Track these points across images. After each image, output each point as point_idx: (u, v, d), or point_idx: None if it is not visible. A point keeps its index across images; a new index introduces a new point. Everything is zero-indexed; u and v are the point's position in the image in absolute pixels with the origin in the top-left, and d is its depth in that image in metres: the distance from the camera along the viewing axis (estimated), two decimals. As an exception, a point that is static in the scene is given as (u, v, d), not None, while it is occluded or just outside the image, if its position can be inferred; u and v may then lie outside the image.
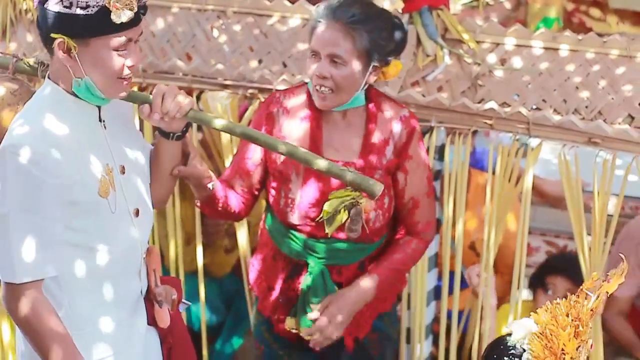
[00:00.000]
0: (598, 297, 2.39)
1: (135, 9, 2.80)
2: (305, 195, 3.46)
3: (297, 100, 3.51)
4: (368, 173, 3.40)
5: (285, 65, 4.07)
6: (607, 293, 2.42)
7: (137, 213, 3.02)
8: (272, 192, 3.54)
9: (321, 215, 3.09)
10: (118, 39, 2.81)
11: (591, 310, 2.38)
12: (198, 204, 3.52)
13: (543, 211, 5.38)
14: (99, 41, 2.80)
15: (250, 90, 3.99)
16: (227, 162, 4.11)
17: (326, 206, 3.08)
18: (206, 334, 4.42)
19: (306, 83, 3.53)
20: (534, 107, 3.81)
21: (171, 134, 3.10)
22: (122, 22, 2.78)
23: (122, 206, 2.97)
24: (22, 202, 2.80)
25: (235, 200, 3.54)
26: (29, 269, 2.83)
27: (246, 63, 4.07)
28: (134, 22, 2.82)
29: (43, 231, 2.82)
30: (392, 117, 3.50)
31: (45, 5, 2.79)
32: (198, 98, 4.08)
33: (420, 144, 3.54)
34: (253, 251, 4.17)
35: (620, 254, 2.58)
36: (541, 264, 4.71)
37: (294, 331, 3.57)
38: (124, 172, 2.99)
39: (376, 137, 3.47)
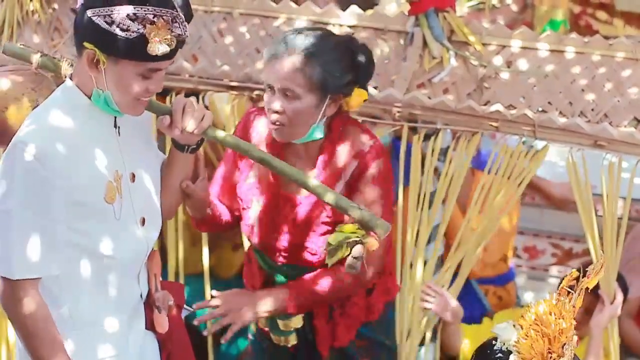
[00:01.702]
0: (579, 294, 2.40)
1: (173, 46, 2.80)
2: (261, 225, 3.48)
3: (266, 123, 3.45)
4: (315, 209, 3.41)
5: (291, 67, 4.06)
6: (588, 289, 2.42)
7: (143, 222, 3.02)
8: (242, 216, 3.56)
9: (325, 245, 3.09)
10: (147, 67, 2.82)
11: (574, 307, 2.39)
12: (194, 223, 3.55)
13: (549, 213, 5.38)
14: (129, 64, 2.81)
15: (256, 92, 3.99)
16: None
17: (330, 239, 3.08)
18: (212, 336, 4.42)
19: None
20: (540, 109, 3.81)
21: (186, 147, 3.09)
22: (156, 55, 2.78)
23: (128, 213, 2.97)
24: (27, 199, 2.81)
25: (226, 213, 3.57)
26: (27, 267, 2.84)
27: (252, 64, 4.07)
28: (169, 55, 2.82)
29: (45, 230, 2.83)
30: (350, 152, 3.41)
31: (88, 12, 2.77)
32: (203, 99, 4.08)
33: (376, 182, 3.39)
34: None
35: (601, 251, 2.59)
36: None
37: (265, 329, 3.62)
38: (134, 180, 2.99)
39: (326, 172, 3.40)
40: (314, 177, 3.36)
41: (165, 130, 3.02)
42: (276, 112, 3.30)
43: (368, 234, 3.04)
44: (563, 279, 2.43)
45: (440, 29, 3.97)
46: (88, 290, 2.95)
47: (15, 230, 2.83)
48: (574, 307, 2.39)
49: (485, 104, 3.85)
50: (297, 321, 3.56)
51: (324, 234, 3.41)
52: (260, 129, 3.49)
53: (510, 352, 2.42)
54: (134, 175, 2.99)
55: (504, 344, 2.44)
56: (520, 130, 3.79)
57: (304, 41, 3.28)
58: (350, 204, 3.03)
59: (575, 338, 2.41)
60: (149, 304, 3.13)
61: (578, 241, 5.30)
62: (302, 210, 3.44)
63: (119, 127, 2.97)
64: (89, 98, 2.89)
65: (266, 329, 3.62)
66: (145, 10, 2.74)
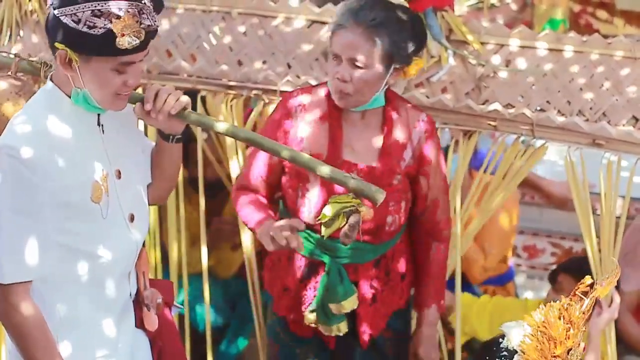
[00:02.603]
0: (591, 300, 2.39)
1: (143, 37, 2.78)
2: (321, 194, 3.49)
3: (316, 99, 3.55)
4: (387, 177, 3.48)
5: (289, 67, 4.06)
6: (600, 297, 2.42)
7: (132, 218, 3.01)
8: (289, 191, 3.57)
9: (319, 217, 3.10)
10: (119, 62, 2.81)
11: (583, 313, 2.38)
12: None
13: (549, 213, 5.38)
14: (101, 60, 2.80)
15: (254, 92, 4.00)
16: (232, 164, 4.11)
17: (326, 210, 3.09)
18: (211, 335, 4.42)
19: (325, 83, 3.56)
20: (538, 108, 3.81)
21: (170, 137, 3.07)
22: (126, 48, 2.77)
23: (116, 212, 2.96)
24: (13, 202, 2.81)
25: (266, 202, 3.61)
26: (16, 270, 2.83)
27: (250, 64, 4.07)
28: (140, 47, 2.80)
29: (32, 233, 2.82)
30: (411, 121, 3.55)
31: (56, 12, 2.78)
32: (203, 99, 4.08)
33: (437, 146, 3.59)
34: (258, 252, 4.18)
35: (613, 258, 2.57)
36: (559, 264, 4.67)
37: (312, 325, 3.62)
38: (120, 177, 2.98)
39: (394, 141, 3.52)
40: (382, 147, 3.50)
41: (144, 117, 2.98)
42: (344, 80, 3.38)
43: (363, 203, 3.05)
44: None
45: (439, 28, 3.96)
46: (78, 290, 2.95)
47: (3, 234, 2.82)
48: (584, 314, 2.38)
49: (483, 103, 3.86)
50: (353, 302, 3.58)
51: (398, 199, 3.51)
52: (313, 102, 3.54)
53: (515, 352, 2.42)
54: (119, 172, 2.98)
55: (510, 343, 2.43)
56: (518, 129, 3.79)
57: (371, 12, 3.37)
58: (344, 175, 3.03)
59: (582, 345, 2.41)
60: (138, 302, 3.12)
61: (578, 240, 5.29)
62: (370, 177, 3.46)
63: (102, 125, 2.96)
64: (70, 97, 2.88)
65: (313, 325, 3.62)
66: (109, 6, 2.73)
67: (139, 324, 3.12)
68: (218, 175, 4.50)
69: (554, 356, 2.35)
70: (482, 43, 3.96)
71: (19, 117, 2.90)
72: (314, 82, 3.94)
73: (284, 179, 3.59)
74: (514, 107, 3.82)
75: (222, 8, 4.21)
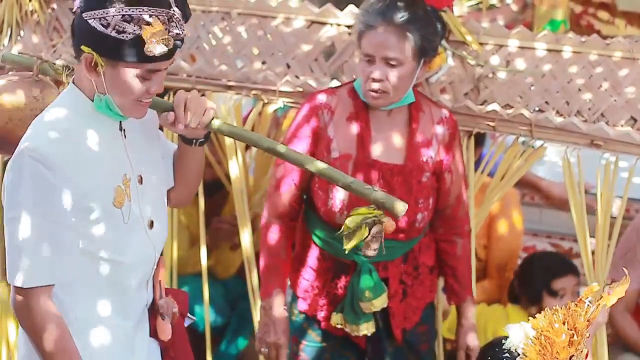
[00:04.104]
0: (597, 307, 2.39)
1: (171, 46, 2.74)
2: (354, 196, 3.47)
3: (341, 99, 3.57)
4: (417, 174, 3.53)
5: (289, 67, 4.07)
6: (606, 305, 2.41)
7: (151, 225, 2.96)
8: (319, 193, 3.58)
9: (341, 230, 3.06)
10: (145, 68, 2.77)
11: (588, 320, 2.38)
12: None
13: (548, 213, 5.38)
14: (127, 66, 2.75)
15: (253, 92, 4.00)
16: (231, 164, 4.12)
17: (348, 222, 3.04)
18: (210, 335, 4.42)
19: (347, 83, 3.60)
20: (537, 109, 3.82)
21: (194, 141, 3.02)
22: (154, 55, 2.73)
23: (136, 217, 2.91)
24: (36, 207, 2.76)
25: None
26: (38, 274, 2.78)
27: (250, 64, 4.08)
28: (167, 55, 2.76)
29: (54, 237, 2.78)
30: (435, 118, 3.59)
31: (83, 15, 2.73)
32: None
33: (459, 142, 3.67)
34: (257, 252, 4.18)
35: (624, 268, 2.56)
36: (536, 270, 4.60)
37: (339, 326, 3.63)
38: (141, 182, 2.94)
39: (420, 138, 3.56)
40: (408, 144, 3.54)
41: (169, 127, 2.96)
42: (380, 80, 3.41)
43: (385, 214, 3.04)
44: None
45: (438, 29, 3.97)
46: (97, 295, 2.90)
47: (25, 238, 2.77)
48: (588, 321, 2.38)
49: (482, 104, 3.86)
50: (383, 300, 3.60)
51: (427, 195, 3.55)
52: (339, 103, 3.57)
53: (517, 355, 2.42)
54: (141, 178, 2.94)
55: (514, 345, 2.44)
56: (517, 130, 3.80)
57: (398, 10, 3.40)
58: (365, 186, 3.01)
59: (585, 351, 2.40)
60: (153, 311, 3.07)
61: (577, 241, 5.28)
62: (401, 175, 3.53)
63: (124, 130, 2.92)
64: (92, 101, 2.85)
65: (339, 326, 3.64)
66: (140, 11, 2.70)
67: (153, 333, 3.07)
68: (217, 176, 4.51)
69: None
70: (481, 43, 3.96)
71: (41, 119, 2.86)
72: (313, 83, 3.95)
73: (313, 181, 3.60)
74: (512, 107, 3.82)
75: (222, 8, 4.21)
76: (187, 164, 3.09)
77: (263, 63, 4.09)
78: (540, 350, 2.36)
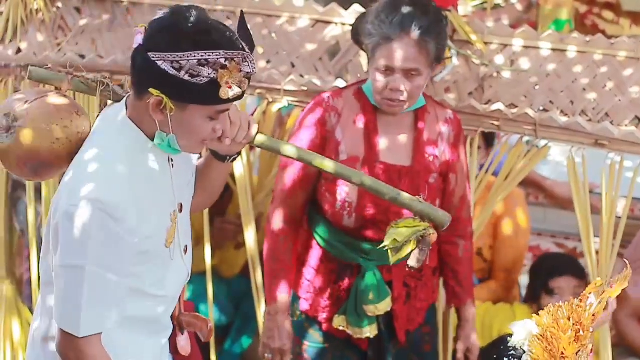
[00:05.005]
0: (600, 302, 2.39)
1: (245, 87, 2.66)
2: (363, 198, 3.49)
3: (348, 101, 3.55)
4: (425, 175, 3.52)
5: (293, 66, 4.07)
6: (610, 299, 2.41)
7: (185, 250, 2.92)
8: (327, 195, 3.56)
9: (387, 244, 3.04)
10: (216, 110, 2.69)
11: (593, 315, 2.38)
12: None
13: (553, 213, 5.38)
14: (198, 108, 2.67)
15: (258, 90, 4.00)
16: (236, 163, 4.11)
17: (395, 235, 3.03)
18: (215, 334, 4.42)
19: (354, 84, 3.59)
20: (541, 108, 3.81)
21: (227, 157, 2.96)
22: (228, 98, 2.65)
23: (176, 247, 2.87)
24: (101, 258, 2.68)
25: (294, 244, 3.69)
26: (94, 323, 2.72)
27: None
28: (239, 97, 2.68)
29: (115, 287, 2.72)
30: (440, 118, 3.59)
31: (150, 56, 2.60)
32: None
33: (464, 142, 3.66)
34: (261, 251, 4.18)
35: (625, 260, 2.57)
36: (538, 269, 4.62)
37: (341, 329, 3.63)
38: (181, 211, 2.88)
39: (427, 139, 3.55)
40: (415, 145, 3.53)
41: (213, 142, 2.83)
42: (400, 90, 3.40)
43: (431, 226, 3.03)
44: None
45: (443, 28, 3.97)
46: (131, 326, 2.85)
47: (86, 288, 2.69)
48: (593, 316, 2.38)
49: (486, 103, 3.86)
50: (387, 304, 3.59)
51: (434, 197, 3.54)
52: (346, 106, 3.55)
53: (523, 352, 2.42)
54: (181, 206, 2.88)
55: (519, 342, 2.44)
56: (521, 130, 3.80)
57: (416, 20, 3.37)
58: (412, 199, 3.00)
59: (590, 346, 2.40)
60: (173, 327, 3.04)
61: (581, 241, 5.28)
62: (409, 177, 3.52)
63: (171, 160, 2.84)
64: (145, 134, 2.74)
65: (341, 328, 3.63)
66: (217, 55, 2.58)
67: (173, 349, 3.05)
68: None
69: (563, 357, 2.35)
70: (485, 43, 3.96)
71: (96, 157, 2.74)
72: (318, 82, 3.94)
73: (320, 184, 3.58)
74: (517, 107, 3.82)
75: (227, 7, 4.21)
76: (214, 178, 3.02)
77: (268, 62, 4.09)
78: (546, 347, 2.36)
